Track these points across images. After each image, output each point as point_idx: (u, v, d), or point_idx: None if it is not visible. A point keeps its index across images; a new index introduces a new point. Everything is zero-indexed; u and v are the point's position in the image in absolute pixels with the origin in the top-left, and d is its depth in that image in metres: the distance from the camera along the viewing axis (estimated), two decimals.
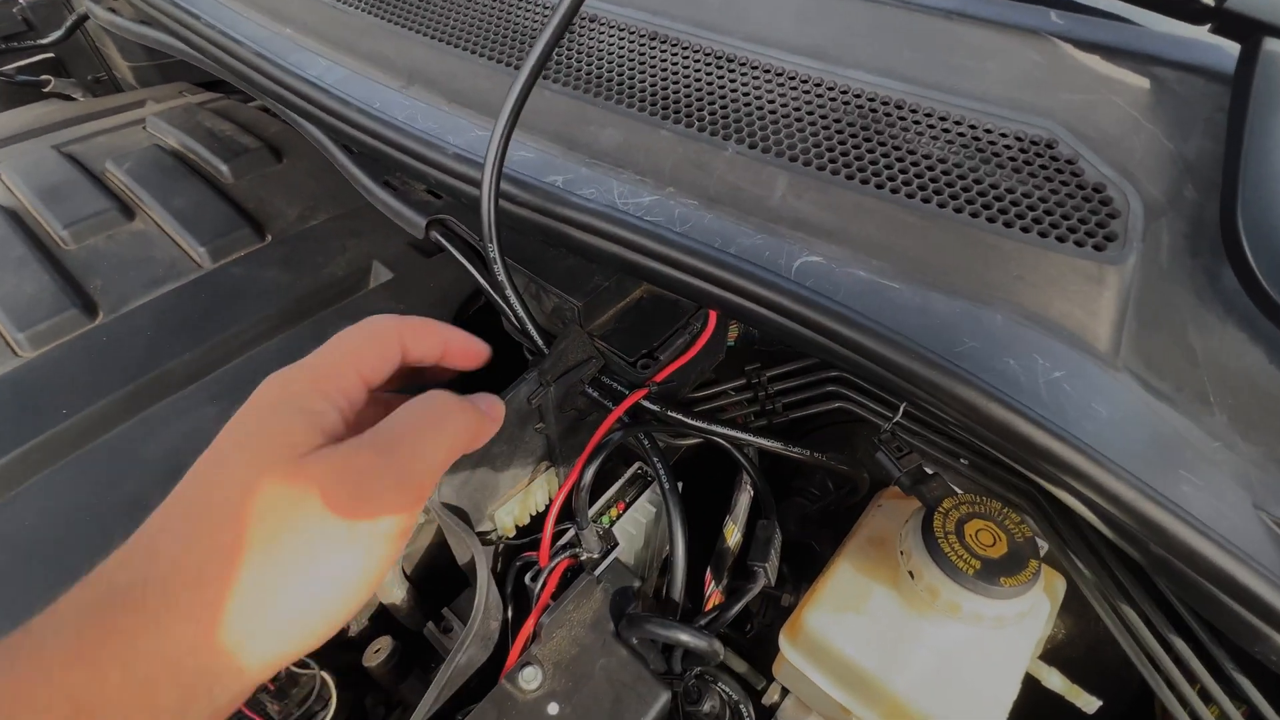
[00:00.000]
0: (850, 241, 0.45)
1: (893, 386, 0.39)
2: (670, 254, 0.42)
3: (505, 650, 0.41)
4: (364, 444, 0.27)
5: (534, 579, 0.40)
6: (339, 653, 0.50)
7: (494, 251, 0.44)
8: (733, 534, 0.52)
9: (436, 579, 0.55)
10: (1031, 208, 0.44)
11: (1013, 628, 0.40)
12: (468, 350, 0.35)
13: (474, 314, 0.64)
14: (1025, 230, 0.43)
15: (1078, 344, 0.41)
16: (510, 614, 0.42)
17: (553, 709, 0.35)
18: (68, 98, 0.97)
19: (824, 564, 0.50)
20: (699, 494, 0.55)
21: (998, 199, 0.44)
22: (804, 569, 0.63)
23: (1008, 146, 0.46)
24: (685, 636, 0.36)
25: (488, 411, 0.32)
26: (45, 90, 0.97)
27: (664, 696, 0.36)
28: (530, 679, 0.36)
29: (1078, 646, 0.52)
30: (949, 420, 0.38)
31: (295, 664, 0.45)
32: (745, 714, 0.49)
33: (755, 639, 0.69)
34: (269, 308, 0.58)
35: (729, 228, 0.46)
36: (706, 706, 0.46)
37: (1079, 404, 0.38)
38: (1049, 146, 0.46)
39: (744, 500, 0.53)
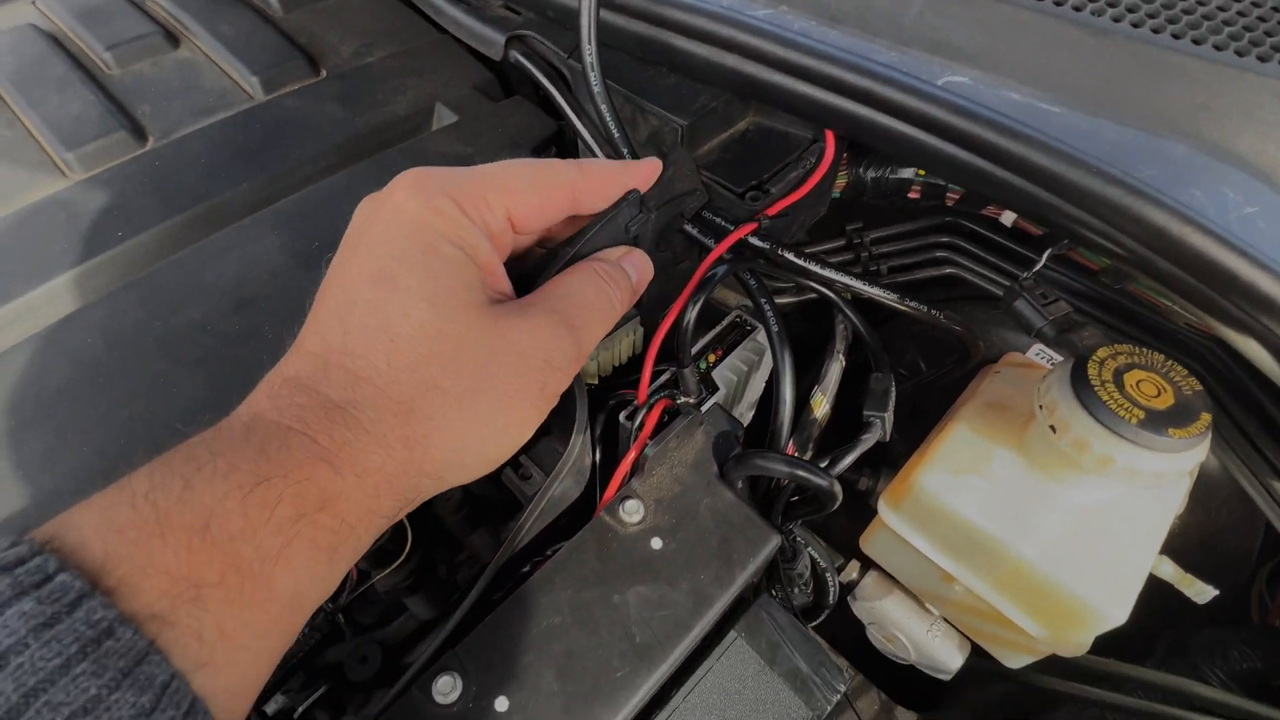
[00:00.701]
0: (1000, 65, 0.39)
1: (1056, 216, 0.34)
2: (800, 61, 0.37)
3: (594, 494, 0.38)
4: (552, 313, 0.29)
5: (629, 417, 0.37)
6: None
7: (591, 56, 0.38)
8: (820, 405, 0.48)
9: None
10: (1228, 22, 0.37)
11: (1156, 491, 0.37)
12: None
13: None
14: (1218, 49, 0.37)
15: (1270, 182, 0.35)
16: (599, 456, 0.39)
17: (656, 543, 0.33)
18: None
19: (898, 453, 0.47)
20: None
21: (1186, 11, 0.38)
22: (876, 455, 0.60)
23: None
24: (805, 473, 0.33)
25: (637, 286, 0.34)
26: None
27: (774, 540, 0.33)
28: (632, 511, 0.33)
29: (1192, 538, 0.49)
30: (1122, 254, 0.33)
31: None
32: (830, 583, 0.47)
33: (819, 526, 0.67)
34: (327, 143, 0.54)
35: (858, 45, 0.40)
36: (800, 567, 0.43)
37: (1275, 243, 0.32)
38: None
39: (835, 370, 0.49)
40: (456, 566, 0.52)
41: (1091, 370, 0.34)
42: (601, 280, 0.32)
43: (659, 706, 0.30)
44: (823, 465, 0.37)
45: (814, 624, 0.50)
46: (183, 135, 0.53)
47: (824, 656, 0.32)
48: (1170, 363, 0.34)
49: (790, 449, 0.46)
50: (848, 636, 0.57)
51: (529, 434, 0.29)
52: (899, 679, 0.54)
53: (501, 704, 0.28)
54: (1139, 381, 0.33)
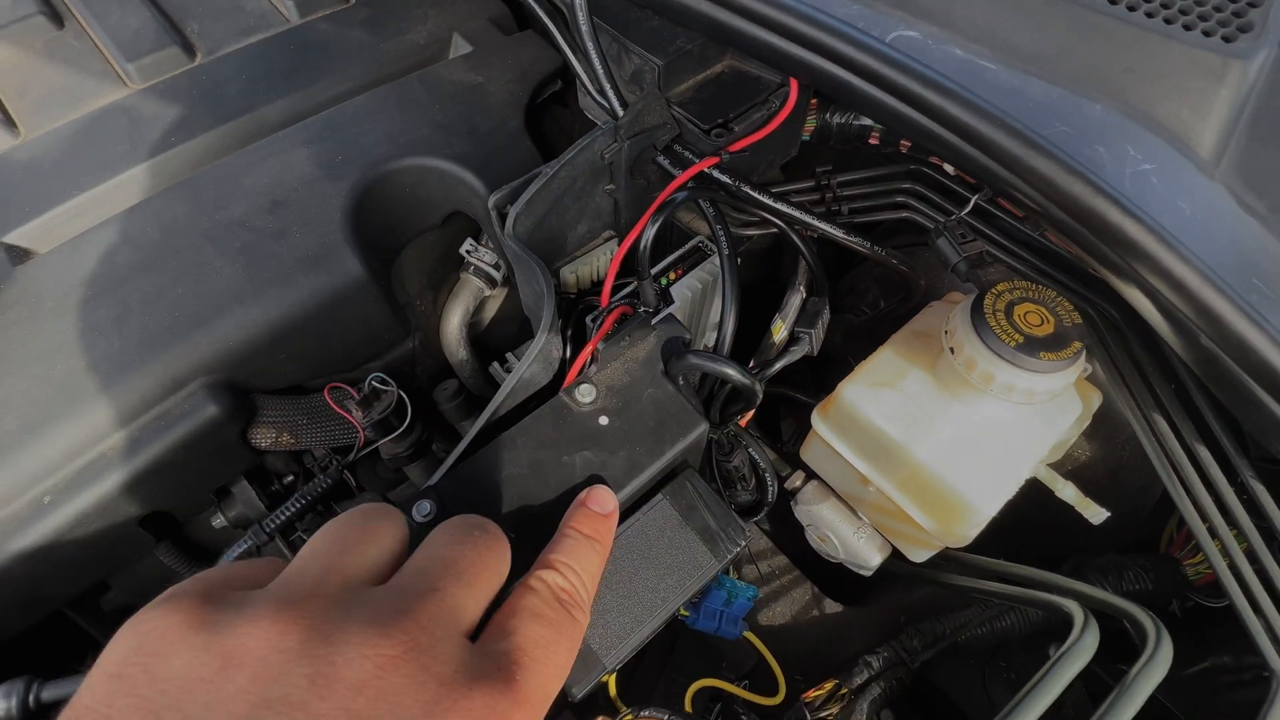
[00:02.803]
0: (952, 22, 0.42)
1: (971, 163, 0.38)
2: (762, 10, 0.41)
3: (562, 382, 0.45)
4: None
5: (593, 320, 0.44)
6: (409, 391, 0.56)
7: None
8: (779, 331, 0.54)
9: (496, 350, 0.60)
10: None
11: (1039, 411, 0.42)
12: None
13: (544, 102, 0.64)
14: (1150, 15, 0.40)
15: (1177, 144, 0.39)
16: (568, 353, 0.46)
17: (603, 420, 0.39)
18: None
19: None
20: (750, 298, 0.57)
21: None
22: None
23: None
24: (731, 370, 0.39)
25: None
26: None
27: (702, 426, 0.40)
28: (585, 394, 0.40)
29: (1099, 470, 0.54)
30: (1024, 203, 0.38)
31: (377, 381, 0.51)
32: (768, 482, 0.54)
33: (785, 456, 0.74)
34: (354, 66, 0.59)
35: None
36: (735, 461, 0.50)
37: (1162, 197, 0.37)
38: None
39: (795, 301, 0.54)
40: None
41: (988, 301, 0.39)
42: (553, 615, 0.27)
43: None
44: (752, 370, 0.43)
45: (756, 519, 0.58)
46: (226, 53, 0.59)
47: (731, 519, 0.39)
48: (1059, 299, 0.39)
49: (751, 366, 0.53)
50: (790, 541, 0.65)
51: None
52: (830, 577, 0.62)
53: None
54: (1027, 313, 0.38)
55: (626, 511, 0.39)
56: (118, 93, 0.56)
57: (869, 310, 0.62)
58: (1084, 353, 0.37)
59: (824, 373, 0.69)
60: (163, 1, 0.62)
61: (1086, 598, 0.42)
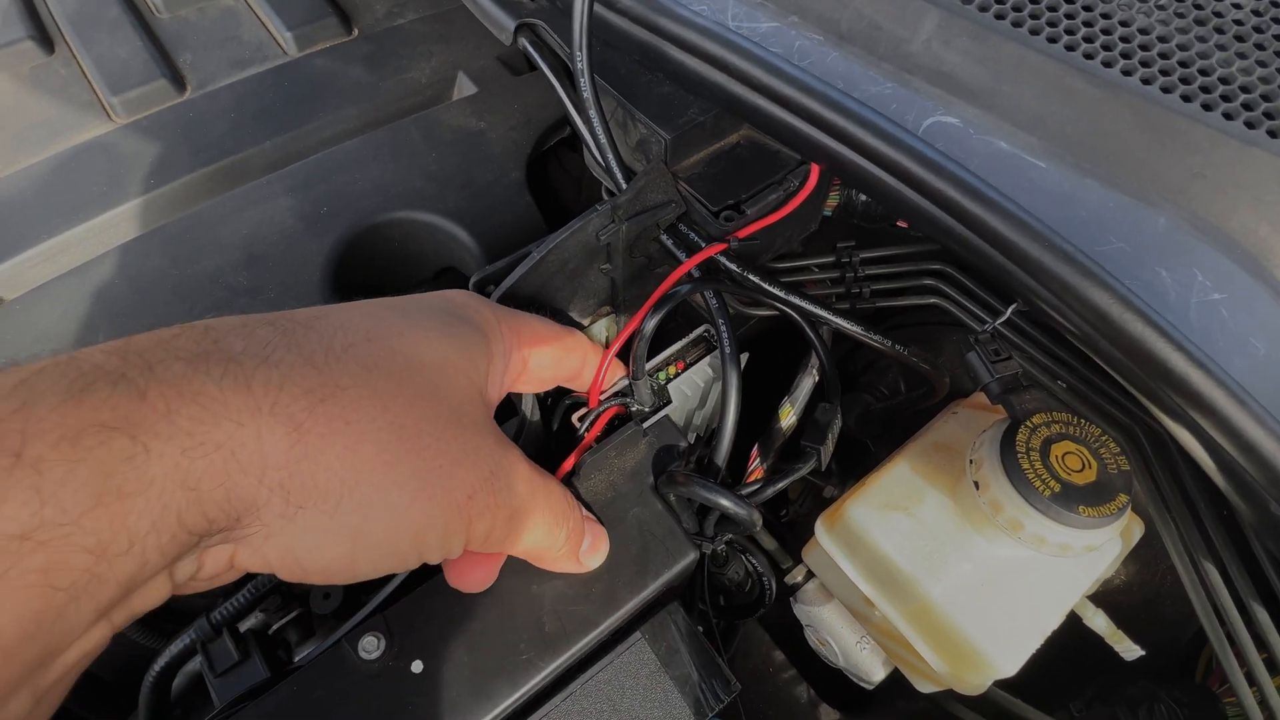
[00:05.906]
0: (998, 106, 0.38)
1: (1010, 280, 0.34)
2: (782, 90, 0.37)
3: None
4: (523, 459, 0.30)
5: (580, 420, 0.40)
6: None
7: (582, 63, 0.39)
8: (788, 416, 0.49)
9: None
10: (1246, 89, 0.35)
11: (1075, 560, 0.37)
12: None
13: (549, 149, 0.60)
14: (1228, 116, 0.35)
15: (1252, 266, 0.34)
16: (551, 449, 0.42)
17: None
18: None
19: (874, 464, 0.48)
20: (760, 375, 0.52)
21: (1203, 73, 0.36)
22: (852, 466, 0.61)
23: (1237, 5, 0.36)
24: (726, 501, 0.35)
25: (583, 554, 0.34)
26: None
27: (691, 555, 0.36)
28: None
29: (1134, 595, 0.49)
30: (1069, 329, 0.33)
31: None
32: (767, 587, 0.50)
33: (789, 524, 0.69)
34: (349, 106, 0.56)
35: (855, 71, 0.39)
36: (731, 572, 0.46)
37: (1233, 334, 0.32)
38: None
39: (806, 384, 0.50)
40: None
41: (1020, 436, 0.34)
42: (570, 508, 0.33)
43: (557, 690, 0.34)
44: (746, 493, 0.39)
45: (755, 616, 0.53)
46: (217, 88, 0.56)
47: (716, 668, 0.35)
48: (1105, 438, 0.34)
49: (754, 454, 0.48)
50: (787, 634, 0.60)
51: (411, 551, 0.25)
52: (830, 679, 0.57)
53: (417, 666, 0.32)
54: (1065, 454, 0.34)
55: (600, 649, 0.35)
56: (101, 127, 0.53)
57: (887, 393, 0.57)
58: (1129, 506, 0.32)
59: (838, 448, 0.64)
60: (158, 29, 0.59)
61: None
